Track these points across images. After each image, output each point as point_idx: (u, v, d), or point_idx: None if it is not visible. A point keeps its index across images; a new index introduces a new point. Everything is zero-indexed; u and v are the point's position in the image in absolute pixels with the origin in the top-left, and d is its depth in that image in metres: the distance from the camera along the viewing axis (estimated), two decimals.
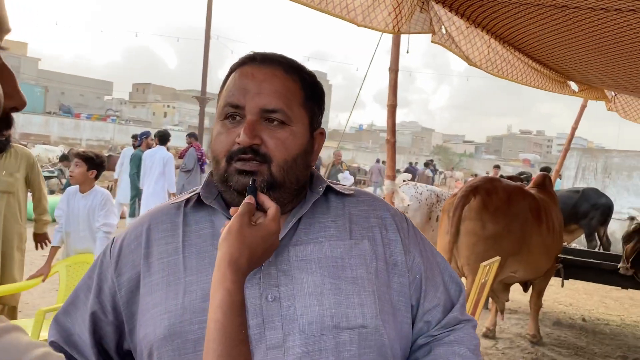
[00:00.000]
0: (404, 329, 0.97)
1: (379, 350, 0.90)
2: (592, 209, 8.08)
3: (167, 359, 0.87)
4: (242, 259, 0.78)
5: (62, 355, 0.49)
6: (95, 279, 0.98)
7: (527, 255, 4.22)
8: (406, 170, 20.81)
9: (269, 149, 0.89)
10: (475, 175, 26.53)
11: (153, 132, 8.02)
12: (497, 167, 16.21)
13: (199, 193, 0.98)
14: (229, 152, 0.90)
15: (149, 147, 7.65)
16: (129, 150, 8.55)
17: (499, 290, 4.50)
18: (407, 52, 3.56)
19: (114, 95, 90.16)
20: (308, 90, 0.96)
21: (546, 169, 9.07)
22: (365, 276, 0.92)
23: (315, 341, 0.86)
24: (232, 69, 0.95)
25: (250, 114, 0.89)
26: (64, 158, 12.82)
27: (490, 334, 4.83)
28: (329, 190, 1.01)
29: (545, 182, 4.88)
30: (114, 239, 1.02)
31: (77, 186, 3.48)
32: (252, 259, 0.80)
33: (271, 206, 0.85)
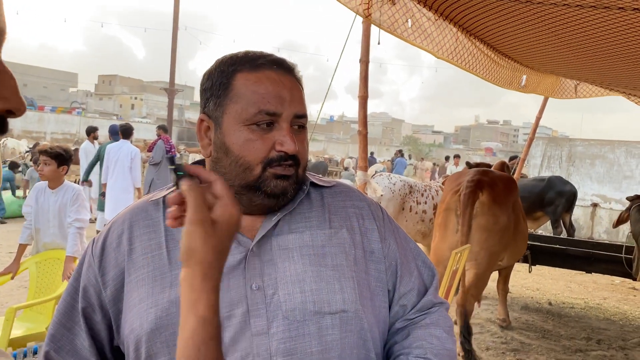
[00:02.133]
0: (382, 313, 1.02)
1: (359, 333, 0.94)
2: (558, 197, 8.32)
3: (156, 351, 0.89)
4: (218, 272, 0.68)
5: None
6: (80, 280, 0.98)
7: (513, 243, 4.35)
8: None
9: (299, 153, 0.94)
10: (435, 164, 26.83)
11: (119, 124, 7.90)
12: (457, 156, 16.54)
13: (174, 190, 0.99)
14: (267, 158, 0.92)
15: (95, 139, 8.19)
16: (88, 145, 8.59)
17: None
18: (379, 44, 3.60)
19: (80, 87, 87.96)
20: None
21: (514, 157, 9.28)
22: (344, 263, 0.96)
23: (299, 326, 0.90)
24: (238, 69, 0.94)
25: (286, 122, 0.93)
26: (31, 153, 12.50)
27: (504, 324, 4.94)
28: (310, 184, 1.05)
29: (504, 169, 5.01)
30: (94, 238, 1.02)
31: (46, 182, 3.42)
32: (221, 267, 0.69)
33: (216, 179, 0.73)
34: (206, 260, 0.66)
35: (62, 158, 3.41)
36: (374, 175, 6.18)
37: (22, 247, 3.46)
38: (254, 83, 0.92)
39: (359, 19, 3.67)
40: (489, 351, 4.30)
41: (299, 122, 0.95)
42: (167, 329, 0.89)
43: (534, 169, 11.92)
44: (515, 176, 7.32)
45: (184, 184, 0.70)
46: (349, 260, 0.98)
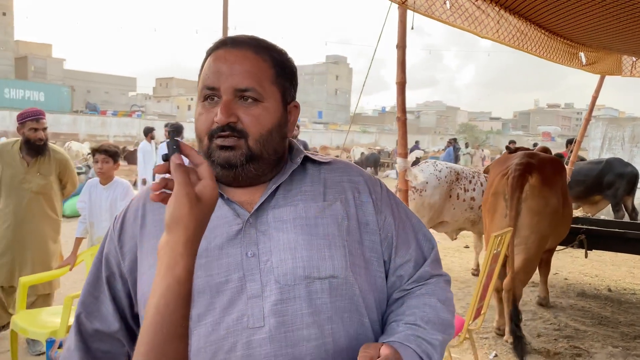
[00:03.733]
0: (378, 282, 1.06)
1: (350, 299, 0.99)
2: (617, 179, 7.93)
3: None
4: (197, 240, 0.74)
5: None
6: (104, 252, 1.09)
7: (559, 225, 4.24)
8: (410, 150, 20.91)
9: (245, 125, 0.98)
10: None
11: (170, 124, 8.24)
12: (512, 142, 16.00)
13: None
14: (210, 130, 0.98)
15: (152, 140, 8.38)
16: (145, 145, 8.95)
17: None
18: (412, 29, 3.55)
19: (138, 90, 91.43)
20: (278, 68, 1.03)
21: (571, 141, 8.91)
22: (336, 233, 1.01)
23: (289, 290, 0.95)
24: (208, 54, 1.03)
25: (225, 94, 0.97)
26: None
27: (544, 302, 4.98)
28: (307, 159, 1.10)
29: (547, 153, 4.86)
30: (116, 215, 1.12)
31: (97, 178, 3.64)
32: (201, 236, 0.75)
33: (202, 162, 0.80)
34: (190, 228, 0.72)
35: (117, 155, 3.69)
36: (418, 162, 6.10)
37: (78, 241, 3.69)
38: (207, 63, 1.01)
39: (395, 6, 3.64)
40: (540, 338, 4.18)
41: (244, 94, 0.97)
42: None
43: (593, 151, 11.39)
44: (571, 159, 7.04)
45: (175, 159, 0.76)
46: (341, 230, 1.02)
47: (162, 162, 0.78)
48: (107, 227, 3.52)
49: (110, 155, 3.63)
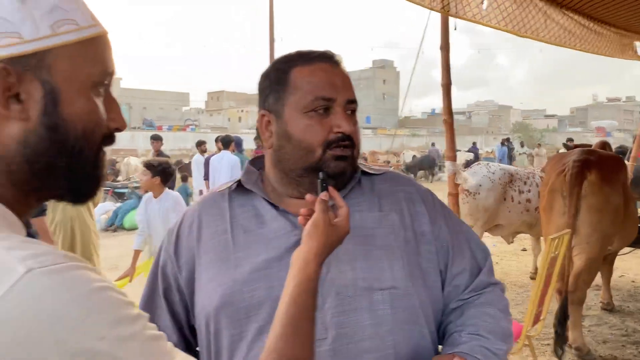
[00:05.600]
0: (435, 292, 1.06)
1: (410, 310, 0.99)
2: None
3: (223, 326, 0.99)
4: (324, 254, 0.88)
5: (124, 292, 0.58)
6: (159, 266, 1.12)
7: (624, 226, 4.06)
8: (468, 151, 20.47)
9: (353, 134, 1.02)
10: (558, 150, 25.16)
11: (221, 137, 8.44)
12: (570, 140, 15.36)
13: (237, 181, 1.10)
14: (326, 140, 1.00)
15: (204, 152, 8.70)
16: (198, 157, 9.22)
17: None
18: (455, 29, 3.51)
19: (191, 105, 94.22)
20: None
21: (623, 151, 8.42)
22: (394, 244, 1.02)
23: (350, 301, 0.97)
24: (301, 64, 1.04)
25: (340, 106, 1.01)
26: None
27: (609, 307, 4.78)
28: (360, 172, 1.12)
29: (606, 149, 4.64)
30: (170, 228, 1.15)
31: (151, 192, 3.79)
32: (328, 254, 0.89)
33: (343, 206, 0.93)
34: (320, 242, 0.87)
35: (155, 169, 3.78)
36: (470, 164, 5.97)
37: (136, 253, 3.84)
38: (309, 74, 1.02)
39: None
40: (606, 344, 3.99)
41: (351, 107, 1.03)
42: (232, 305, 0.99)
43: None
44: (632, 155, 6.69)
45: (322, 195, 0.94)
46: (399, 241, 1.03)
47: (313, 195, 0.95)
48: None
49: (148, 168, 3.76)
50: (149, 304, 1.12)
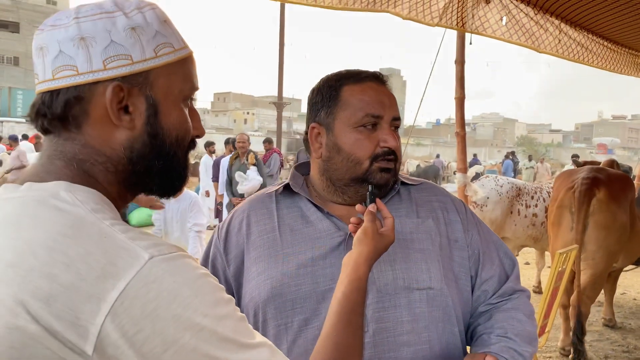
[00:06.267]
0: (465, 295, 1.14)
1: (444, 309, 1.09)
2: None
3: (270, 316, 1.08)
4: (373, 259, 0.97)
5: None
6: (209, 259, 1.21)
7: (630, 244, 4.13)
8: (470, 164, 20.56)
9: (397, 150, 1.12)
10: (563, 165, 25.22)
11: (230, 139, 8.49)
12: (575, 156, 15.47)
13: (285, 184, 1.20)
14: (373, 154, 1.11)
15: (212, 153, 8.67)
16: (207, 158, 9.23)
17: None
18: (470, 44, 3.58)
19: (198, 105, 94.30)
20: None
21: (626, 170, 8.47)
22: (430, 248, 1.11)
23: (390, 299, 1.06)
24: (352, 82, 1.14)
25: (386, 123, 1.12)
26: None
27: (610, 324, 4.82)
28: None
29: (614, 167, 4.70)
30: (219, 224, 1.25)
31: None
32: (376, 259, 0.98)
33: (389, 217, 1.01)
34: (368, 247, 0.97)
35: None
36: (479, 177, 6.04)
37: None
38: (359, 92, 1.12)
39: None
40: None
41: (396, 123, 1.13)
42: (280, 297, 1.08)
43: None
44: (637, 175, 6.75)
45: (371, 207, 1.03)
46: (435, 245, 1.12)
47: (362, 204, 1.05)
48: (180, 239, 3.80)
49: None
50: None
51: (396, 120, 1.13)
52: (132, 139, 0.72)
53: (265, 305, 1.08)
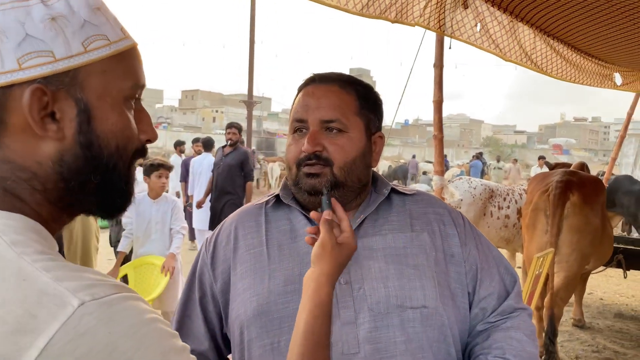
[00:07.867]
0: (462, 313, 1.08)
1: (439, 329, 1.02)
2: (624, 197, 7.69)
3: (255, 335, 1.02)
4: (336, 275, 0.90)
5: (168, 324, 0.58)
6: (196, 274, 1.15)
7: (601, 246, 4.22)
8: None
9: (330, 153, 1.04)
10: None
11: (202, 137, 8.32)
12: (542, 157, 15.83)
13: (275, 195, 1.14)
14: (298, 159, 1.06)
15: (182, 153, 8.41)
16: (176, 158, 9.01)
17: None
18: (450, 48, 3.58)
19: (165, 102, 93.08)
20: (362, 100, 1.09)
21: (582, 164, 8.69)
22: (425, 264, 1.05)
23: (383, 318, 0.99)
24: (298, 90, 1.11)
25: (312, 126, 1.05)
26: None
27: (580, 324, 4.92)
28: (392, 190, 1.15)
29: (584, 170, 4.81)
30: (207, 238, 1.18)
31: (144, 193, 3.73)
32: (339, 274, 0.92)
33: (344, 218, 0.95)
34: (329, 264, 0.89)
35: (169, 170, 3.85)
36: (452, 179, 6.09)
37: (121, 254, 3.79)
38: (297, 99, 1.09)
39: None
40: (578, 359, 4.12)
41: (329, 125, 1.05)
42: (267, 315, 1.01)
43: (626, 167, 11.18)
44: (605, 177, 6.93)
45: (326, 215, 0.96)
46: (430, 261, 1.06)
47: (317, 210, 0.98)
48: (157, 241, 3.70)
49: (169, 170, 3.81)
50: (184, 310, 1.14)
51: (328, 122, 1.05)
52: (62, 151, 0.60)
53: (250, 324, 1.03)
